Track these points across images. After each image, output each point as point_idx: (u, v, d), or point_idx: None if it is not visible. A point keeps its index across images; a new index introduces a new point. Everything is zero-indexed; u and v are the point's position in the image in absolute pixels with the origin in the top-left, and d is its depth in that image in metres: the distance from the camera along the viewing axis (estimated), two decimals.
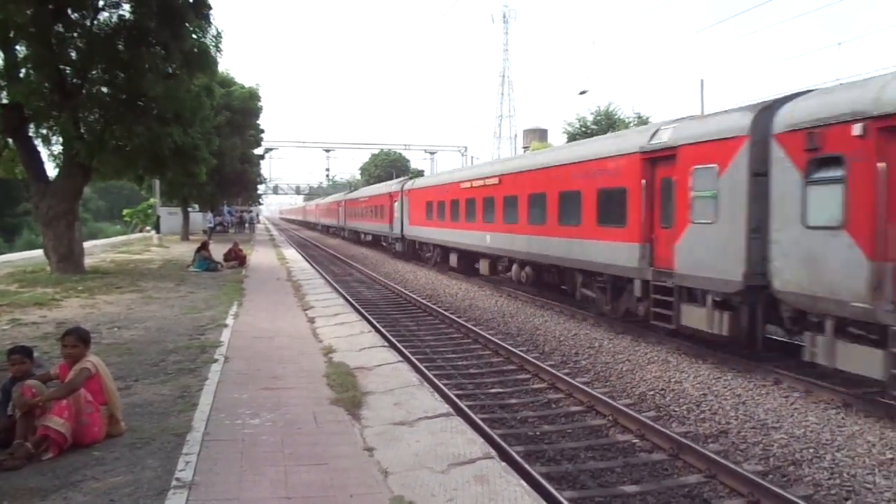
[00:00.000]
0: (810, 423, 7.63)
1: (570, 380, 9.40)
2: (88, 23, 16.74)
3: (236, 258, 23.43)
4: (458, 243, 22.96)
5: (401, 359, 9.16)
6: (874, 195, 7.55)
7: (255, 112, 43.17)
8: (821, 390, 8.61)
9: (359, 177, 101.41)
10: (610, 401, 8.41)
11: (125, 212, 48.40)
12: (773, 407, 8.24)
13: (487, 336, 12.48)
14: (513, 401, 8.96)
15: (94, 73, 17.35)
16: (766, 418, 7.91)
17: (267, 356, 8.90)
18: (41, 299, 13.06)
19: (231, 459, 5.15)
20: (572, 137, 43.12)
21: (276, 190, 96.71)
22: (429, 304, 16.75)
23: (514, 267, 18.10)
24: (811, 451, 6.92)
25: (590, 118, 45.47)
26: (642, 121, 41.92)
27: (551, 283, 16.75)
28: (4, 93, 16.48)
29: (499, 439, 6.97)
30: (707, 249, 10.11)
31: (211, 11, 17.66)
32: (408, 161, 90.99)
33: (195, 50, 17.50)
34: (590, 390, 8.87)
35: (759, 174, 9.28)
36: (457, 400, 8.35)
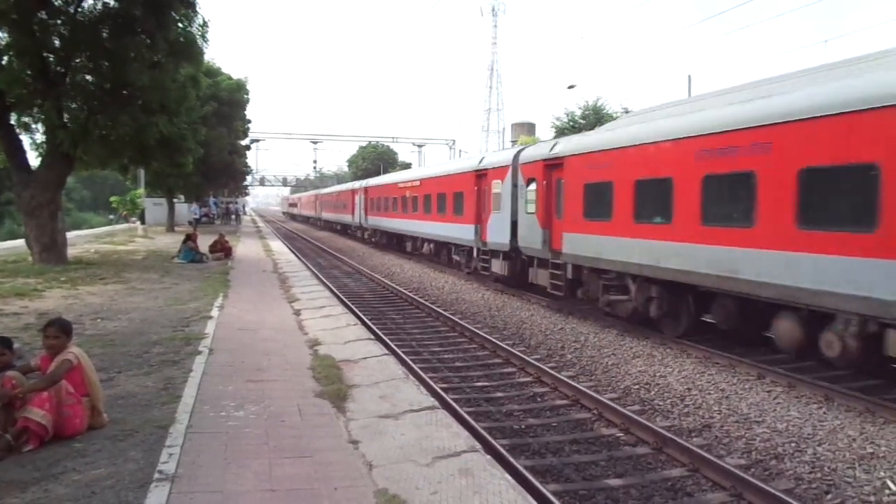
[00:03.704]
0: (792, 418, 7.71)
1: (555, 374, 9.43)
2: (72, 10, 16.50)
3: (222, 250, 23.29)
4: None
5: (387, 352, 9.15)
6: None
7: (242, 103, 42.89)
8: (803, 385, 8.70)
9: (346, 169, 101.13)
10: (595, 395, 8.44)
11: (112, 198, 47.91)
12: (755, 401, 8.31)
13: (474, 329, 12.49)
14: (498, 394, 8.97)
15: (77, 61, 17.12)
16: (748, 412, 7.98)
17: (252, 348, 8.86)
18: (23, 290, 12.90)
19: (215, 452, 5.11)
20: (560, 131, 43.17)
21: (262, 181, 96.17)
22: (415, 297, 16.74)
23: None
24: (793, 445, 6.99)
25: (578, 112, 45.52)
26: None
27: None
28: None
29: (484, 433, 6.98)
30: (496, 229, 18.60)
31: (197, 0, 17.49)
32: (396, 154, 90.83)
33: (181, 39, 17.33)
34: (575, 384, 8.90)
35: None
36: (442, 393, 8.35)
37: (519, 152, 17.26)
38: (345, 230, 47.37)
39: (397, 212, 29.69)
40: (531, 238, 15.85)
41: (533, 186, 15.84)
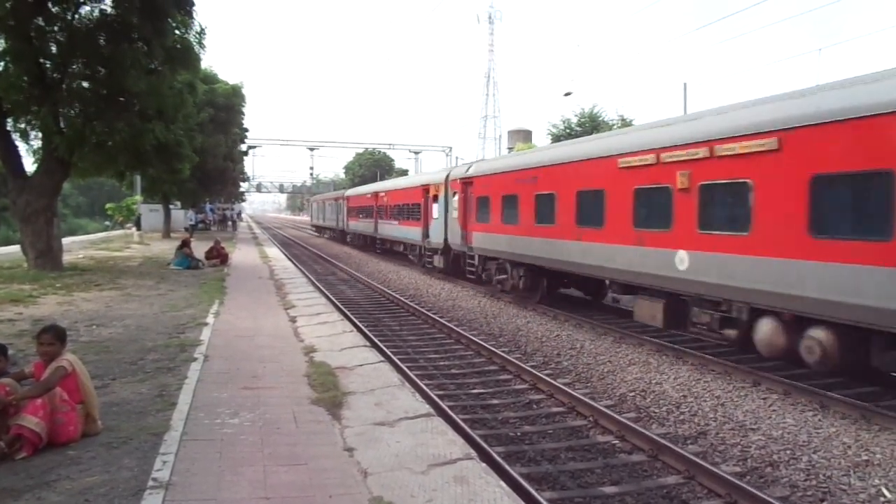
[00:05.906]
0: (788, 425, 7.72)
1: (551, 381, 9.43)
2: (69, 16, 16.52)
3: (218, 256, 23.23)
4: None
5: (382, 359, 9.13)
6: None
7: (239, 109, 42.92)
8: (799, 392, 8.71)
9: (343, 176, 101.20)
10: (591, 402, 8.44)
11: (107, 206, 47.81)
12: (751, 409, 8.32)
13: (470, 336, 12.48)
14: (494, 401, 8.96)
15: (74, 67, 17.12)
16: (744, 420, 7.98)
17: (247, 355, 8.83)
18: (17, 296, 12.86)
19: (209, 459, 5.10)
20: (556, 139, 43.34)
21: (259, 188, 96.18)
22: (412, 304, 16.73)
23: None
24: (788, 452, 6.99)
25: (574, 120, 45.68)
26: (626, 123, 42.16)
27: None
28: None
29: (479, 440, 6.97)
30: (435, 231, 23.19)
31: (194, 7, 17.54)
32: (392, 160, 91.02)
33: (178, 46, 17.36)
34: (571, 391, 8.90)
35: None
36: (438, 400, 8.34)
37: (449, 172, 22.45)
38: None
39: (371, 217, 34.67)
40: (456, 237, 20.94)
41: (456, 198, 20.77)
